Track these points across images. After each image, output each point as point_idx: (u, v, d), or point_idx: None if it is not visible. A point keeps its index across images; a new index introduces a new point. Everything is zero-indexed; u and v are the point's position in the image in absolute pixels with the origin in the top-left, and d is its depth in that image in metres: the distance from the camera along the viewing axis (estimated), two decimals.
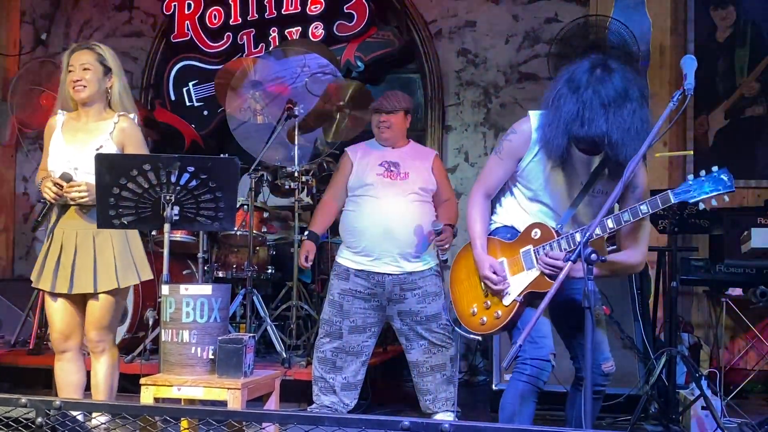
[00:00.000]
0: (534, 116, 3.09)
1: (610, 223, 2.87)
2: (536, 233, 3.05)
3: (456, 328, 3.23)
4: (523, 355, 3.01)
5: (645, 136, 2.83)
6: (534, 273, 3.02)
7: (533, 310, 2.93)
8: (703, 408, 4.25)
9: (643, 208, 2.84)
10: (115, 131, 3.64)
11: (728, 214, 5.00)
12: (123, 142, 3.65)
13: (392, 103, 4.35)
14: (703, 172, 2.79)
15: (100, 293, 3.58)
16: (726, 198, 2.77)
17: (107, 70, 3.69)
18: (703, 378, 4.40)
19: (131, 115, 3.73)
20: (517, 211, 3.19)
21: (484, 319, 3.10)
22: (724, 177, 2.76)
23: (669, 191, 2.82)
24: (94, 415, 3.53)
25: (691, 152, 5.73)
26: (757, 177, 5.79)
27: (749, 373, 5.32)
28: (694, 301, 5.82)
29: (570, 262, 2.71)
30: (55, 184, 3.53)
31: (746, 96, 5.88)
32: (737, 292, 5.18)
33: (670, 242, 4.59)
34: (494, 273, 3.07)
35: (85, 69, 3.63)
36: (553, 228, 3.03)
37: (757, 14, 5.88)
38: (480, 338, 3.18)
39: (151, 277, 3.78)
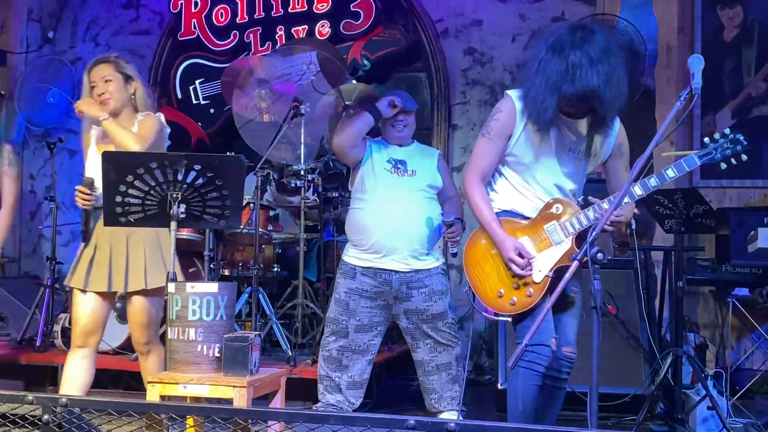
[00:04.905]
0: (513, 93, 3.19)
1: (638, 190, 2.97)
2: (558, 208, 3.09)
3: (483, 313, 3.19)
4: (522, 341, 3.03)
5: (625, 88, 2.97)
6: (564, 247, 3.03)
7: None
8: (708, 408, 4.24)
9: (669, 172, 2.93)
10: (137, 127, 3.71)
11: (735, 213, 4.99)
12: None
13: (411, 103, 4.37)
14: (717, 135, 2.93)
15: (134, 296, 3.63)
16: (744, 157, 2.91)
17: (127, 78, 3.75)
18: (709, 378, 4.39)
19: (156, 114, 3.79)
20: (513, 193, 3.20)
21: (514, 299, 3.07)
22: (740, 137, 2.92)
23: (692, 154, 2.93)
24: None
25: None
26: (763, 177, 5.77)
27: (755, 374, 5.30)
28: (700, 301, 5.80)
29: (577, 261, 2.72)
30: (79, 191, 3.62)
31: (753, 96, 5.87)
32: (743, 292, 5.16)
33: (676, 242, 4.57)
34: (519, 255, 3.05)
35: (107, 81, 3.70)
36: (575, 201, 3.11)
37: (765, 14, 5.86)
38: (510, 319, 3.14)
39: (182, 278, 3.69)
